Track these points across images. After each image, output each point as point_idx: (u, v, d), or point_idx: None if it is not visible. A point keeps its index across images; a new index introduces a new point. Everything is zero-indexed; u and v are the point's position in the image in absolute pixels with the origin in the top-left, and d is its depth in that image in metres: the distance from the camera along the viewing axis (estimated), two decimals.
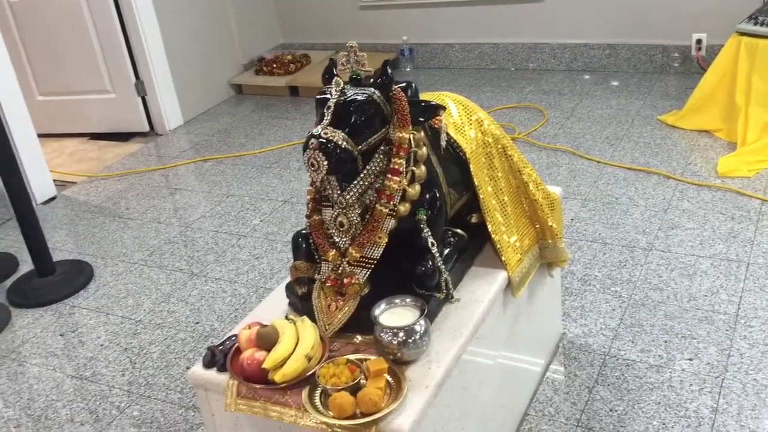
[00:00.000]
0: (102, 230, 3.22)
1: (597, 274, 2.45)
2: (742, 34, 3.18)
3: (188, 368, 2.24)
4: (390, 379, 1.35)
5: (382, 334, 1.39)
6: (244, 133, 4.14)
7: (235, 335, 1.48)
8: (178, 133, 4.26)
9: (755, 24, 3.15)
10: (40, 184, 3.54)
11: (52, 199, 3.59)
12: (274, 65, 4.73)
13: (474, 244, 1.71)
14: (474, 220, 1.73)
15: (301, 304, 1.55)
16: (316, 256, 1.54)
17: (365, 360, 1.37)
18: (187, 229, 3.13)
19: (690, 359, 2.02)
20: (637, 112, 3.68)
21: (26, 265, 2.93)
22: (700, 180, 2.94)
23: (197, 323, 2.48)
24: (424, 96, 1.61)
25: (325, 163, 1.36)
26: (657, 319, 2.19)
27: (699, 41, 3.94)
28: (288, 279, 1.65)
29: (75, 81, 4.19)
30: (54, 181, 3.66)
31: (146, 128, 4.25)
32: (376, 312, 1.42)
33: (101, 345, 2.44)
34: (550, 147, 3.40)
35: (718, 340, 2.07)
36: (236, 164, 3.74)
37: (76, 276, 2.80)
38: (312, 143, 1.36)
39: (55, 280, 2.77)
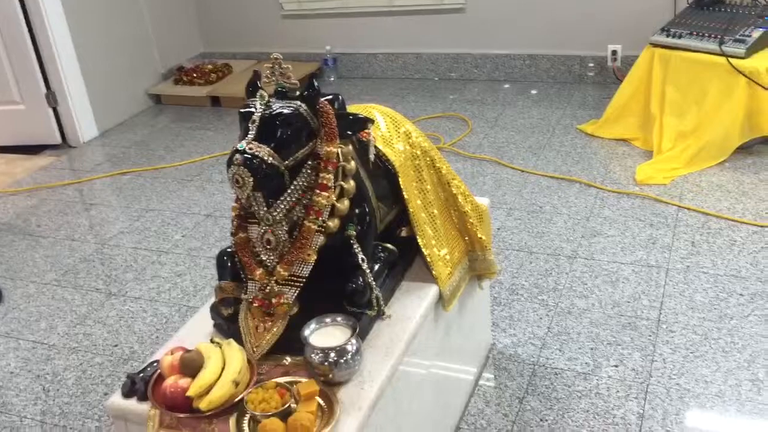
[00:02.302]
0: (11, 249, 3.05)
1: (524, 283, 2.47)
2: (656, 45, 3.30)
3: (106, 394, 2.13)
4: (321, 402, 1.31)
5: (312, 356, 1.35)
6: (164, 144, 4.01)
7: (157, 361, 1.41)
8: (93, 145, 4.09)
9: (667, 36, 3.26)
10: None
11: None
12: (195, 75, 4.61)
13: (404, 259, 1.69)
14: (403, 233, 1.71)
15: (226, 325, 1.49)
16: (242, 276, 1.48)
17: (295, 383, 1.32)
18: (104, 246, 2.99)
19: (616, 366, 2.05)
20: (558, 121, 3.75)
21: None
22: (620, 188, 3.02)
23: (116, 346, 2.36)
24: (351, 108, 1.58)
25: (251, 179, 1.31)
26: (583, 326, 2.23)
27: (614, 52, 4.06)
28: (213, 299, 1.58)
29: None
30: None
31: (58, 140, 4.06)
32: (306, 332, 1.38)
33: (11, 372, 2.29)
34: (476, 156, 3.43)
35: (642, 345, 2.12)
36: (156, 177, 3.61)
37: None
38: (237, 159, 1.31)
39: None
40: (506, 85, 4.33)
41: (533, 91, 4.19)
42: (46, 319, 2.54)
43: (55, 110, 4.01)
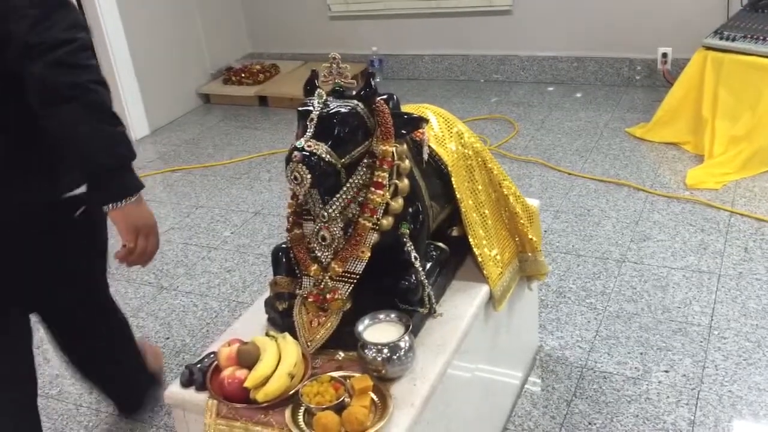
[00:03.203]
0: None
1: (572, 286, 2.45)
2: (708, 48, 3.24)
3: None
4: (375, 396, 1.32)
5: (366, 351, 1.36)
6: (213, 143, 4.08)
7: (214, 352, 1.44)
8: (145, 142, 4.18)
9: (721, 39, 3.21)
10: None
11: None
12: (243, 75, 4.68)
13: (455, 258, 1.70)
14: (455, 233, 1.72)
15: (281, 320, 1.52)
16: (297, 271, 1.51)
17: (349, 377, 1.34)
18: None
19: (666, 371, 2.03)
20: (606, 124, 3.72)
21: None
22: (669, 192, 2.98)
23: (167, 338, 2.42)
24: (403, 108, 1.59)
25: (309, 176, 1.33)
26: (632, 331, 2.21)
27: (665, 55, 4.01)
28: (266, 294, 1.61)
29: None
30: None
31: None
32: (360, 328, 1.40)
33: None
34: (522, 159, 3.42)
35: (693, 351, 2.09)
36: (205, 175, 3.68)
37: None
38: (295, 156, 1.33)
39: None
40: (553, 88, 4.30)
41: (580, 94, 4.15)
42: None
43: None
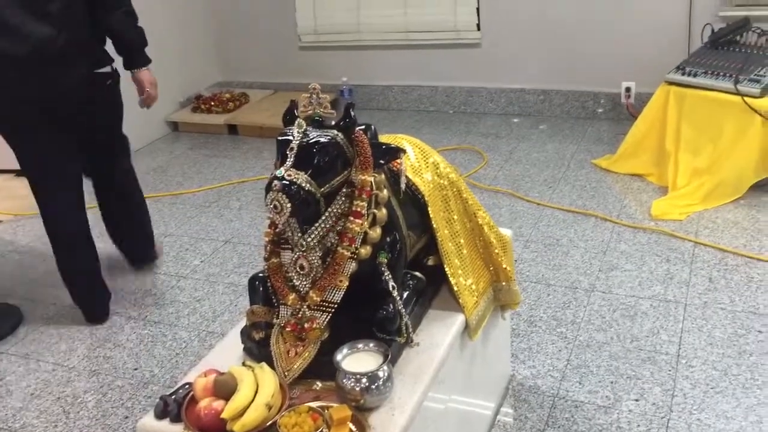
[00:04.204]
0: (32, 271, 3.07)
1: (542, 315, 2.48)
2: (671, 83, 3.34)
3: (127, 417, 2.14)
4: (353, 427, 1.32)
5: (344, 380, 1.36)
6: (182, 171, 4.06)
7: (189, 383, 1.42)
8: None
9: (683, 74, 3.31)
10: None
11: None
12: (213, 103, 4.68)
13: (431, 287, 1.71)
14: (431, 262, 1.73)
15: (258, 349, 1.51)
16: (274, 300, 1.50)
17: (327, 408, 1.33)
18: (124, 270, 3.02)
19: (636, 400, 2.05)
20: (572, 155, 3.79)
21: None
22: (635, 222, 3.04)
23: (135, 369, 2.37)
24: (380, 138, 1.61)
25: (288, 205, 1.33)
26: (602, 359, 2.23)
27: (628, 89, 4.11)
28: (241, 323, 1.60)
29: None
30: None
31: None
32: (339, 357, 1.40)
33: (31, 394, 2.30)
34: (491, 189, 3.46)
35: (662, 380, 2.12)
36: (174, 203, 3.65)
37: (4, 320, 2.65)
38: (275, 185, 1.33)
39: None
40: (520, 119, 4.38)
41: (549, 127, 4.24)
42: (66, 341, 2.55)
43: None
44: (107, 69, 2.52)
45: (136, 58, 2.61)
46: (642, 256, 2.78)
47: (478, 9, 4.36)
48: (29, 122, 2.40)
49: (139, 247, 2.96)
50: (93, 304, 2.66)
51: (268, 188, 1.35)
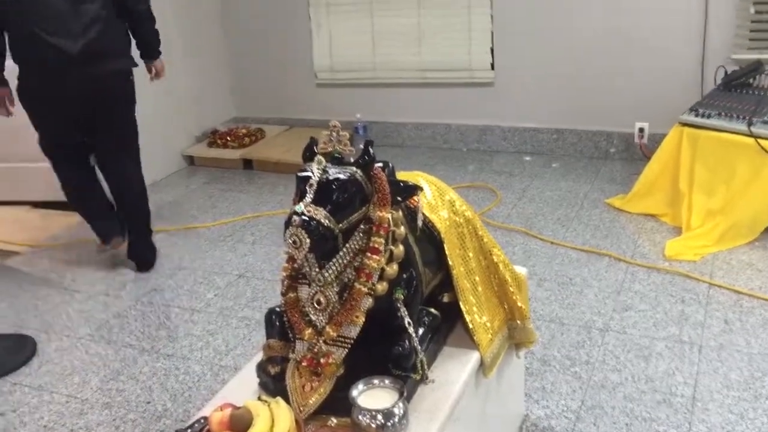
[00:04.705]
0: (46, 303, 3.09)
1: (556, 354, 2.46)
2: (684, 124, 3.36)
3: None
4: None
5: (360, 417, 1.36)
6: (197, 205, 4.10)
7: (205, 417, 1.42)
8: None
9: (696, 116, 3.33)
10: None
11: None
12: (228, 138, 4.73)
13: (445, 324, 1.71)
14: (446, 299, 1.74)
15: (273, 384, 1.51)
16: (291, 335, 1.51)
17: None
18: (137, 302, 3.03)
19: None
20: (586, 194, 3.80)
21: None
22: (649, 262, 3.03)
23: (148, 402, 2.37)
24: (397, 176, 1.63)
25: (308, 240, 1.34)
26: (617, 401, 2.21)
27: (641, 130, 4.14)
28: (255, 357, 1.61)
29: (19, 148, 4.07)
30: None
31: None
32: (354, 393, 1.40)
33: (44, 426, 2.30)
34: (504, 227, 3.47)
35: (678, 423, 2.10)
36: (188, 236, 3.67)
37: (18, 351, 2.66)
38: (295, 220, 1.35)
39: None
40: (533, 158, 4.41)
41: (561, 166, 4.26)
42: (80, 373, 2.56)
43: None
44: (130, 67, 3.13)
45: (155, 52, 3.31)
46: (656, 297, 2.77)
47: (492, 49, 4.42)
48: (61, 106, 3.02)
49: (135, 221, 3.36)
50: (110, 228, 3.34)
51: (288, 223, 1.36)
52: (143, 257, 3.33)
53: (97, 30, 2.91)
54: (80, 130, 3.13)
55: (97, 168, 3.32)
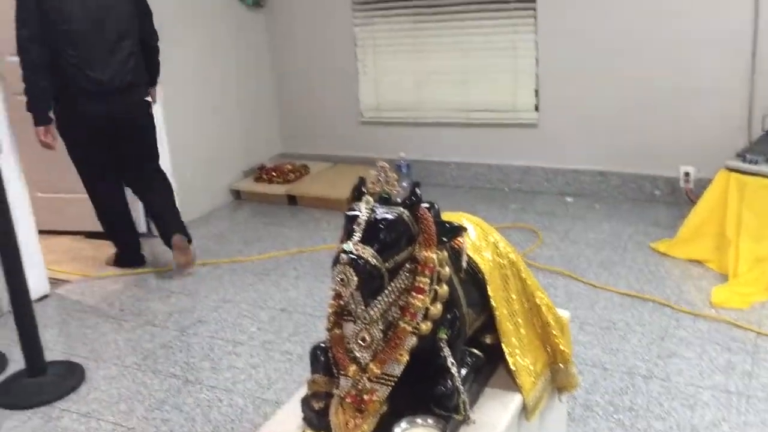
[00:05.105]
0: (95, 331, 3.18)
1: (599, 400, 2.44)
2: (731, 170, 3.33)
3: None
4: None
5: None
6: (242, 238, 4.18)
7: None
8: None
9: (743, 161, 3.30)
10: (33, 281, 3.46)
11: (45, 297, 3.54)
12: (274, 173, 4.83)
13: (488, 365, 1.71)
14: (489, 340, 1.74)
15: (317, 419, 1.53)
16: (335, 371, 1.54)
17: None
18: (183, 333, 3.10)
19: None
20: (630, 237, 3.77)
21: (15, 363, 2.86)
22: (695, 309, 2.99)
23: None
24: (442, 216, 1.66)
25: (355, 278, 1.38)
26: None
27: (687, 174, 4.10)
28: (298, 392, 1.63)
29: (71, 179, 4.20)
30: (48, 278, 3.62)
31: (144, 229, 4.27)
32: (397, 431, 1.41)
33: None
34: (547, 268, 3.46)
35: None
36: (233, 269, 3.74)
37: (68, 378, 2.74)
38: (343, 258, 1.38)
39: (45, 381, 2.70)
40: (575, 199, 4.39)
41: (603, 206, 4.24)
42: (126, 401, 2.61)
43: None
44: (149, 98, 3.62)
45: (156, 80, 3.73)
46: (702, 344, 2.73)
47: (536, 90, 4.46)
48: (90, 134, 3.44)
49: (166, 221, 3.71)
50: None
51: (336, 261, 1.40)
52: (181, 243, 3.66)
53: (132, 63, 3.42)
54: (112, 151, 3.56)
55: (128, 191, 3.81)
